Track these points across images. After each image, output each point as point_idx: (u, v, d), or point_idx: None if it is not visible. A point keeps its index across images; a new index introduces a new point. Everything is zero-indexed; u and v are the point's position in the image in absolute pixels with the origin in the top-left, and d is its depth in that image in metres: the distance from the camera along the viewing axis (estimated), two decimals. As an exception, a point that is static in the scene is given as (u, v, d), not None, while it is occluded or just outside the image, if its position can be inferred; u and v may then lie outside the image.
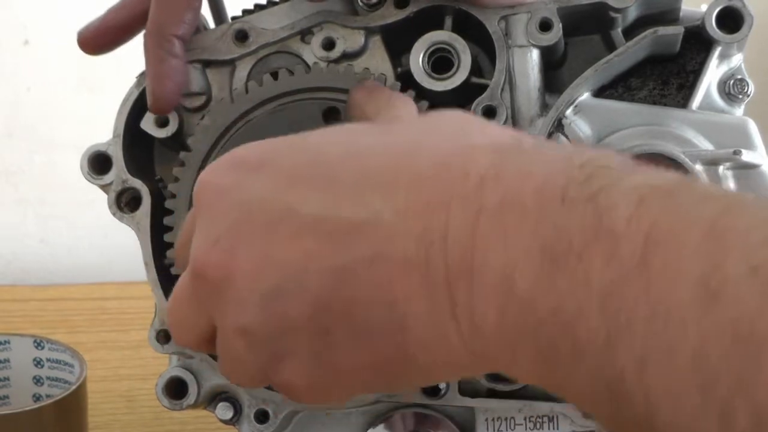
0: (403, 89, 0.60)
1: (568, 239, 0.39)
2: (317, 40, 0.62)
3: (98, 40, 0.64)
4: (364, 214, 0.44)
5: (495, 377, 0.61)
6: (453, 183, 0.43)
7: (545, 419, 0.63)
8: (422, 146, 0.45)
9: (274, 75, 0.61)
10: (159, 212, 0.63)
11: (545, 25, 0.60)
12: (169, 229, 0.62)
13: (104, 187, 0.64)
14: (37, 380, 0.78)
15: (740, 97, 0.61)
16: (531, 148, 0.44)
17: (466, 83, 0.61)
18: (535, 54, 0.61)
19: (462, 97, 0.61)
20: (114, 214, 0.64)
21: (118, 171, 0.64)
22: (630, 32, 0.62)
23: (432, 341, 0.44)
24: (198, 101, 0.64)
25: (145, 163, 0.66)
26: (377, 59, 0.62)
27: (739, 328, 0.35)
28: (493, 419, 0.64)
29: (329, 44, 0.62)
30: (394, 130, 0.50)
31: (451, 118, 0.49)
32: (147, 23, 0.62)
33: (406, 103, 0.57)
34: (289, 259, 0.45)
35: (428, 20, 0.62)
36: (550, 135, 0.60)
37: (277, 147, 0.49)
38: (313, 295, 0.44)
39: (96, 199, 0.66)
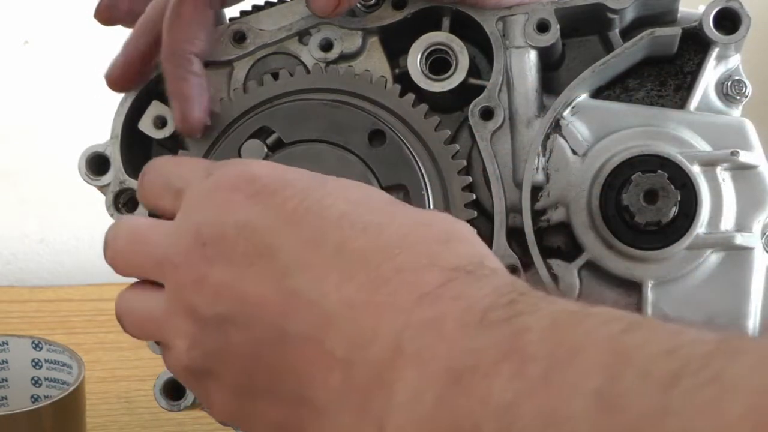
0: (402, 92, 0.61)
1: (476, 359, 0.41)
2: (315, 41, 0.62)
3: (127, 75, 0.63)
4: (318, 293, 0.47)
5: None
6: (398, 293, 0.45)
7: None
8: (406, 243, 0.47)
9: (275, 75, 0.62)
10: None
11: (543, 26, 0.60)
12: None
13: (102, 188, 0.64)
14: (35, 381, 0.78)
15: (738, 98, 0.61)
16: (476, 274, 0.46)
17: (463, 84, 0.61)
18: (532, 55, 0.61)
19: (459, 99, 0.61)
20: (112, 215, 0.64)
21: (116, 172, 0.64)
22: (627, 33, 0.62)
23: None
24: (196, 102, 0.64)
25: (143, 164, 0.66)
26: (375, 60, 0.62)
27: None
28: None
29: (327, 45, 0.62)
30: (399, 214, 0.50)
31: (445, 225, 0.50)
32: (162, 49, 0.60)
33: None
34: (248, 295, 0.48)
35: (426, 21, 0.62)
36: (547, 136, 0.60)
37: (297, 182, 0.51)
38: (254, 339, 0.48)
39: (96, 200, 0.65)
